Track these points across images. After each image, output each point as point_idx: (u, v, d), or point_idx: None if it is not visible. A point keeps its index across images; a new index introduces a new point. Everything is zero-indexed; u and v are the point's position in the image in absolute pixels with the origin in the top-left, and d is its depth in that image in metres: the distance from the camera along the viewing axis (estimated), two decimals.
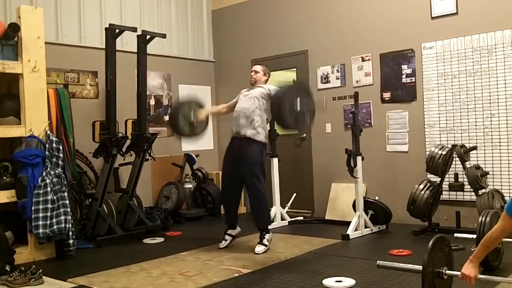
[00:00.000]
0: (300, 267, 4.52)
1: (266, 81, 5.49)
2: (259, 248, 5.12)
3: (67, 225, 5.05)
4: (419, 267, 3.12)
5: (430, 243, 3.14)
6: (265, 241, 5.18)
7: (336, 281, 3.98)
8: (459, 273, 3.07)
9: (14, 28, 4.96)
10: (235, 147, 5.31)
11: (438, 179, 5.72)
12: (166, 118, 7.73)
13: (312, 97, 5.03)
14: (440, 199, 5.82)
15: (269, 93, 5.22)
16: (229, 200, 5.50)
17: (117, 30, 6.11)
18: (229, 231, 5.48)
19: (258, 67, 5.53)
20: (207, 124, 5.85)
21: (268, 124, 6.61)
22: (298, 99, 4.81)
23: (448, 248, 3.30)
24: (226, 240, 5.44)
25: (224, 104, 5.78)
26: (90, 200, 6.20)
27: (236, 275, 4.32)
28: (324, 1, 7.17)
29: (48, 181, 5.01)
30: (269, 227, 5.39)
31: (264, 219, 5.29)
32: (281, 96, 4.80)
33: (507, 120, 5.64)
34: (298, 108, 4.79)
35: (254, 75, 5.47)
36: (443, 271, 3.15)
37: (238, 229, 5.53)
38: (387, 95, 6.56)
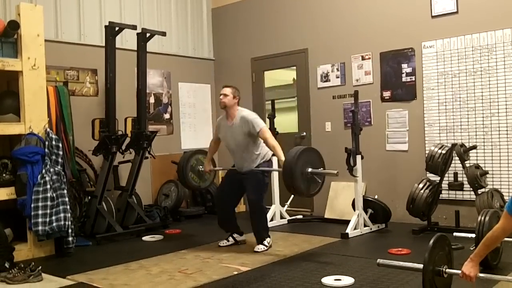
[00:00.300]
0: (299, 265, 4.52)
1: (236, 103, 5.26)
2: (260, 247, 5.13)
3: (67, 223, 5.05)
4: (420, 266, 3.12)
5: (431, 241, 3.15)
6: (265, 243, 5.18)
7: (335, 280, 3.98)
8: (459, 271, 3.08)
9: (13, 26, 4.96)
10: (237, 173, 5.31)
11: (437, 178, 5.72)
12: (166, 116, 7.75)
13: (321, 158, 4.94)
14: (440, 198, 5.82)
15: (249, 131, 5.09)
16: (225, 213, 5.43)
17: (116, 28, 6.12)
18: (235, 235, 5.47)
19: (227, 90, 5.23)
20: (215, 172, 6.18)
21: (268, 121, 6.65)
22: (309, 162, 4.76)
23: (449, 247, 3.31)
24: (228, 241, 5.43)
25: (212, 141, 5.69)
26: (89, 197, 6.20)
27: (235, 273, 4.33)
28: (324, 0, 7.16)
29: (47, 178, 5.01)
30: (268, 226, 5.42)
31: (265, 231, 5.27)
32: (292, 161, 4.63)
33: (507, 119, 5.64)
34: (309, 170, 4.73)
35: (224, 99, 5.20)
36: (444, 269, 3.16)
37: (244, 237, 5.51)
38: (387, 94, 6.56)
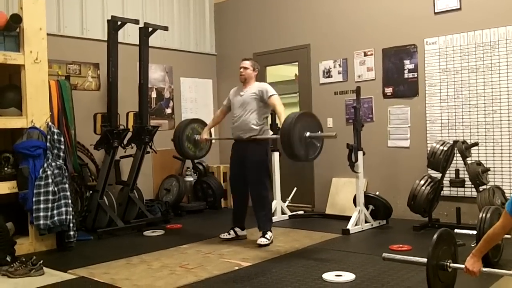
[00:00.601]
0: (300, 261, 4.53)
1: (255, 76, 5.41)
2: (262, 240, 5.13)
3: (68, 217, 5.06)
4: (424, 260, 3.13)
5: (435, 236, 3.15)
6: (267, 236, 5.18)
7: (336, 276, 3.99)
8: (463, 266, 3.09)
9: (16, 19, 4.96)
10: (239, 148, 5.33)
11: (439, 175, 5.72)
12: (168, 111, 7.74)
13: (319, 122, 4.93)
14: (441, 195, 5.82)
15: (262, 96, 5.18)
16: (238, 202, 5.49)
17: (119, 22, 6.11)
18: (237, 229, 5.48)
19: (247, 63, 5.37)
20: (211, 142, 6.08)
21: (270, 117, 6.64)
22: (307, 126, 4.76)
23: (453, 242, 3.31)
24: (229, 234, 5.46)
25: (219, 110, 5.76)
26: (91, 192, 6.21)
27: (236, 268, 4.33)
28: None
29: (49, 172, 5.02)
30: (272, 219, 5.46)
31: (268, 223, 5.30)
32: (289, 126, 4.62)
33: (509, 116, 5.63)
34: (307, 134, 4.73)
35: (244, 72, 5.35)
36: (448, 263, 3.17)
37: (245, 232, 5.54)
38: (389, 90, 6.55)
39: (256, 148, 5.20)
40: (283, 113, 5.00)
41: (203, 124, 5.93)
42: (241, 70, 5.37)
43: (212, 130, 6.08)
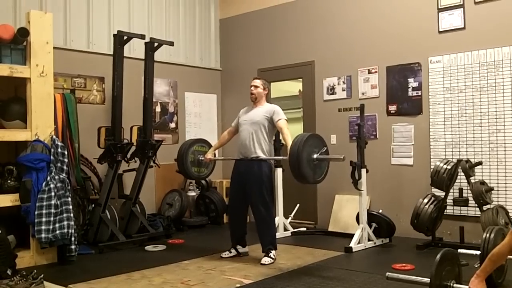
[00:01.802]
0: (302, 279, 4.50)
1: (266, 95, 5.43)
2: (266, 259, 5.09)
3: (70, 230, 5.04)
4: (427, 280, 3.11)
5: (438, 256, 3.13)
6: (271, 255, 5.15)
7: None
8: (467, 286, 3.06)
9: (23, 33, 5.00)
10: (241, 167, 5.31)
11: (442, 194, 5.69)
12: (172, 125, 7.76)
13: (325, 144, 4.94)
14: (444, 213, 5.79)
15: (272, 117, 5.19)
16: (237, 220, 5.45)
17: (125, 37, 6.14)
18: (238, 246, 5.45)
19: (257, 82, 5.39)
20: (215, 163, 6.05)
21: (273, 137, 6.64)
22: (315, 148, 4.76)
23: (456, 262, 3.29)
24: (230, 252, 5.42)
25: (226, 131, 5.74)
26: (93, 205, 6.20)
27: (238, 285, 4.30)
28: (331, 13, 7.19)
29: (52, 185, 5.01)
30: (276, 237, 5.40)
31: (274, 241, 5.26)
32: (298, 148, 4.63)
33: None
34: (315, 156, 4.73)
35: (254, 90, 5.35)
36: (451, 284, 3.14)
37: (247, 249, 5.51)
38: (393, 108, 6.56)
39: (260, 167, 5.18)
40: (289, 138, 4.98)
41: (207, 144, 5.90)
42: (252, 88, 5.37)
43: (216, 151, 6.08)
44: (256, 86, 5.36)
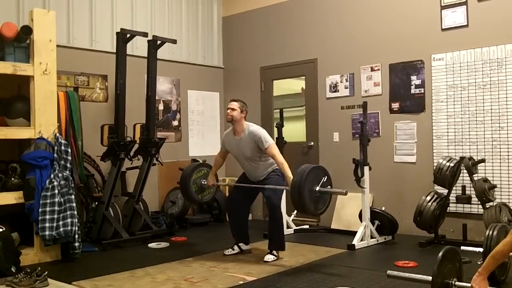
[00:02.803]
0: (305, 276, 4.51)
1: (243, 117, 5.27)
2: (270, 257, 5.10)
3: (73, 228, 5.06)
4: (429, 278, 3.11)
5: (440, 254, 3.13)
6: (275, 252, 5.16)
7: None
8: (468, 284, 3.06)
9: (26, 31, 5.01)
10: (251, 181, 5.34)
11: (445, 191, 5.69)
12: (175, 123, 7.77)
13: (328, 175, 4.91)
14: (447, 211, 5.79)
15: (258, 146, 5.12)
16: (240, 216, 5.45)
17: (128, 35, 6.16)
18: (240, 244, 5.46)
19: (234, 104, 5.22)
20: (218, 187, 6.06)
21: (276, 130, 6.65)
22: (317, 180, 4.77)
23: (458, 260, 3.29)
24: (233, 250, 5.43)
25: (218, 155, 5.67)
26: (96, 203, 6.21)
27: (241, 282, 4.32)
28: (334, 11, 7.18)
29: (55, 183, 5.03)
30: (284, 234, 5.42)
31: (280, 240, 5.25)
32: (300, 181, 4.62)
33: None
34: (317, 189, 4.73)
35: (231, 113, 5.19)
36: (453, 282, 3.15)
37: (250, 246, 5.52)
38: (395, 105, 6.56)
39: (271, 175, 5.22)
40: (285, 164, 4.98)
41: (209, 168, 5.81)
42: (228, 110, 5.24)
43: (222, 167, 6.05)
44: (232, 109, 5.20)
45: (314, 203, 4.74)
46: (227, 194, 7.71)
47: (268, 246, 5.23)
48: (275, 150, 5.07)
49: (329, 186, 4.87)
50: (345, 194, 4.85)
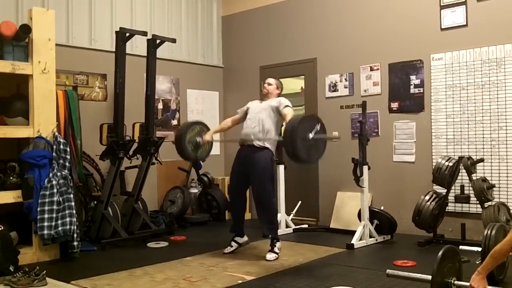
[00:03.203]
0: (304, 275, 4.51)
1: (278, 94, 5.52)
2: (271, 255, 5.11)
3: (72, 227, 5.06)
4: (428, 277, 3.11)
5: (440, 253, 3.14)
6: (276, 249, 5.17)
7: None
8: (467, 284, 3.07)
9: (25, 30, 5.00)
10: (243, 154, 5.33)
11: (444, 191, 5.70)
12: (174, 122, 7.77)
13: (322, 123, 4.88)
14: (446, 210, 5.79)
15: (279, 106, 5.23)
16: (236, 208, 5.51)
17: (127, 34, 6.15)
18: (236, 238, 5.48)
19: (271, 80, 5.56)
20: (211, 146, 5.92)
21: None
22: (310, 128, 4.71)
23: (458, 259, 3.29)
24: (232, 247, 5.45)
25: (229, 118, 5.76)
26: (95, 202, 6.21)
27: (240, 281, 4.32)
28: (333, 10, 7.19)
29: (54, 182, 5.03)
30: (278, 226, 5.44)
31: (274, 227, 5.28)
32: (292, 127, 4.61)
33: None
34: (311, 136, 4.70)
35: (268, 87, 5.50)
36: (452, 281, 3.15)
37: (246, 238, 5.54)
38: (395, 105, 6.56)
39: (261, 155, 5.18)
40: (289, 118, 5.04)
41: (205, 126, 5.84)
42: (265, 85, 5.53)
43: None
44: (269, 83, 5.53)
45: (307, 150, 4.66)
46: (226, 194, 7.72)
47: (263, 233, 5.23)
48: (290, 112, 5.14)
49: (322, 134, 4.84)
50: (338, 138, 4.87)
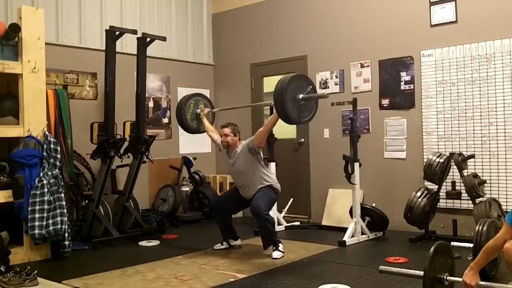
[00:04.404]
0: (296, 273, 4.51)
1: (238, 139, 5.36)
2: (277, 254, 5.06)
3: (63, 226, 5.04)
4: (421, 273, 3.12)
5: (432, 248, 3.15)
6: (280, 248, 5.13)
7: None
8: (460, 279, 3.08)
9: (14, 29, 4.96)
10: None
11: (435, 187, 5.72)
12: (165, 120, 7.75)
13: (313, 85, 4.94)
14: (437, 207, 5.82)
15: (249, 147, 5.19)
16: (223, 219, 5.48)
17: (117, 32, 6.13)
18: (230, 240, 5.49)
19: (226, 130, 5.31)
20: (214, 115, 6.12)
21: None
22: (300, 89, 4.78)
23: (450, 255, 3.31)
24: (222, 245, 5.46)
25: (215, 134, 5.70)
26: (86, 201, 6.19)
27: (232, 280, 4.31)
28: (324, 7, 7.19)
29: (45, 181, 5.00)
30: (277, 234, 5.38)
31: (273, 233, 5.21)
32: (282, 88, 4.66)
33: (505, 129, 5.65)
34: (301, 96, 4.76)
35: (226, 139, 5.31)
36: (444, 277, 3.16)
37: (239, 242, 5.54)
38: (385, 101, 6.57)
39: (261, 191, 5.21)
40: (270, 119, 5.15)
41: (205, 98, 6.08)
42: (222, 138, 5.35)
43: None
44: (226, 135, 5.31)
45: (298, 110, 4.75)
46: (218, 192, 7.72)
47: (264, 245, 5.23)
48: (261, 128, 5.20)
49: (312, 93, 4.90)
50: (326, 96, 4.93)
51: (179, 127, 6.15)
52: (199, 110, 5.86)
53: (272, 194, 5.22)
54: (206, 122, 5.83)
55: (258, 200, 5.10)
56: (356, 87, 6.84)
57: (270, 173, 5.41)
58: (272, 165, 6.58)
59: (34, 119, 5.14)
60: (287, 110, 4.66)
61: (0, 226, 4.91)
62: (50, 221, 4.98)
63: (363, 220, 5.94)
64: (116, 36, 6.12)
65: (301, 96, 4.77)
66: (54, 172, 5.12)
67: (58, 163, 5.18)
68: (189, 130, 5.99)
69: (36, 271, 4.28)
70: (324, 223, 6.91)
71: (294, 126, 7.54)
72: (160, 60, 7.61)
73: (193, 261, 5.00)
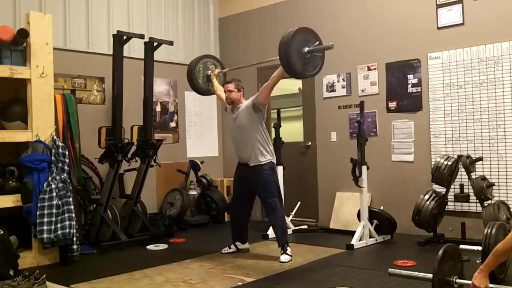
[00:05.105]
0: (304, 276, 4.51)
1: (242, 95, 5.38)
2: (285, 257, 5.07)
3: (72, 230, 5.05)
4: (430, 275, 3.11)
5: (441, 251, 3.14)
6: (288, 252, 5.14)
7: None
8: (469, 282, 3.07)
9: (23, 34, 5.00)
10: (244, 170, 5.33)
11: (443, 190, 5.69)
12: (172, 124, 7.77)
13: (318, 38, 4.91)
14: (446, 210, 5.79)
15: (252, 104, 5.19)
16: (237, 218, 5.52)
17: (124, 37, 6.15)
18: (237, 243, 5.49)
19: (230, 86, 5.32)
20: (225, 75, 6.10)
21: (274, 130, 6.65)
22: (306, 42, 4.77)
23: (459, 257, 3.29)
24: (230, 248, 5.46)
25: (223, 93, 5.60)
26: (94, 205, 6.20)
27: (239, 283, 4.31)
28: (330, 10, 7.19)
29: (53, 186, 5.02)
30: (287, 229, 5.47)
31: (285, 236, 5.24)
32: (287, 41, 4.63)
33: None
34: (306, 50, 4.72)
35: (230, 95, 5.31)
36: (454, 279, 3.15)
37: (247, 245, 5.54)
38: (392, 104, 6.56)
39: (260, 171, 5.19)
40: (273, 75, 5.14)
41: (214, 58, 6.13)
42: (227, 93, 5.35)
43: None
44: (230, 91, 5.31)
45: (303, 64, 4.73)
46: (225, 196, 7.72)
47: (278, 244, 5.22)
48: (265, 84, 5.19)
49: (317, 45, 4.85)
50: (331, 47, 4.88)
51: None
52: (209, 71, 5.88)
53: (269, 178, 5.19)
54: (215, 82, 5.85)
55: (264, 193, 5.15)
56: (363, 90, 6.83)
57: (268, 140, 5.29)
58: (280, 168, 6.57)
59: (42, 124, 5.17)
60: (291, 61, 4.63)
61: (9, 230, 4.92)
62: (59, 225, 4.99)
63: (371, 223, 5.93)
64: (123, 41, 6.15)
65: (306, 49, 4.74)
66: (62, 176, 5.14)
67: (66, 168, 5.20)
68: (200, 91, 6.00)
69: (44, 275, 4.28)
70: (331, 226, 6.90)
71: (301, 128, 7.55)
72: (167, 64, 7.63)
73: (201, 265, 5.01)
